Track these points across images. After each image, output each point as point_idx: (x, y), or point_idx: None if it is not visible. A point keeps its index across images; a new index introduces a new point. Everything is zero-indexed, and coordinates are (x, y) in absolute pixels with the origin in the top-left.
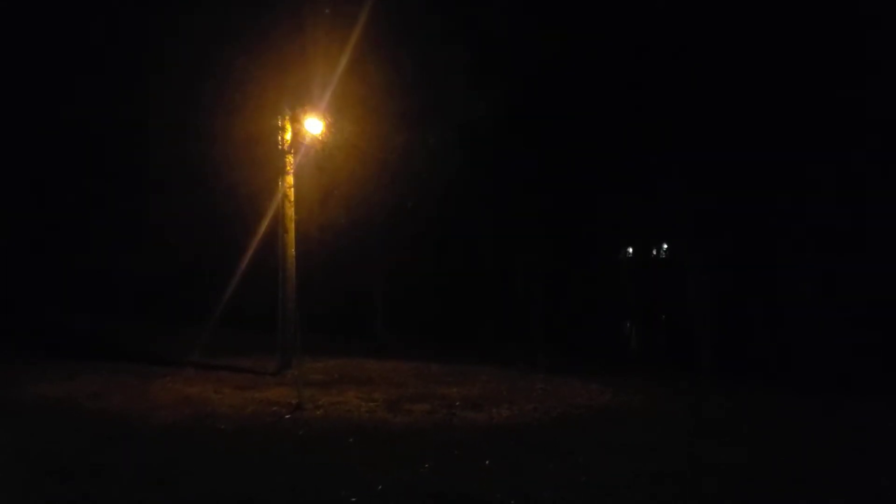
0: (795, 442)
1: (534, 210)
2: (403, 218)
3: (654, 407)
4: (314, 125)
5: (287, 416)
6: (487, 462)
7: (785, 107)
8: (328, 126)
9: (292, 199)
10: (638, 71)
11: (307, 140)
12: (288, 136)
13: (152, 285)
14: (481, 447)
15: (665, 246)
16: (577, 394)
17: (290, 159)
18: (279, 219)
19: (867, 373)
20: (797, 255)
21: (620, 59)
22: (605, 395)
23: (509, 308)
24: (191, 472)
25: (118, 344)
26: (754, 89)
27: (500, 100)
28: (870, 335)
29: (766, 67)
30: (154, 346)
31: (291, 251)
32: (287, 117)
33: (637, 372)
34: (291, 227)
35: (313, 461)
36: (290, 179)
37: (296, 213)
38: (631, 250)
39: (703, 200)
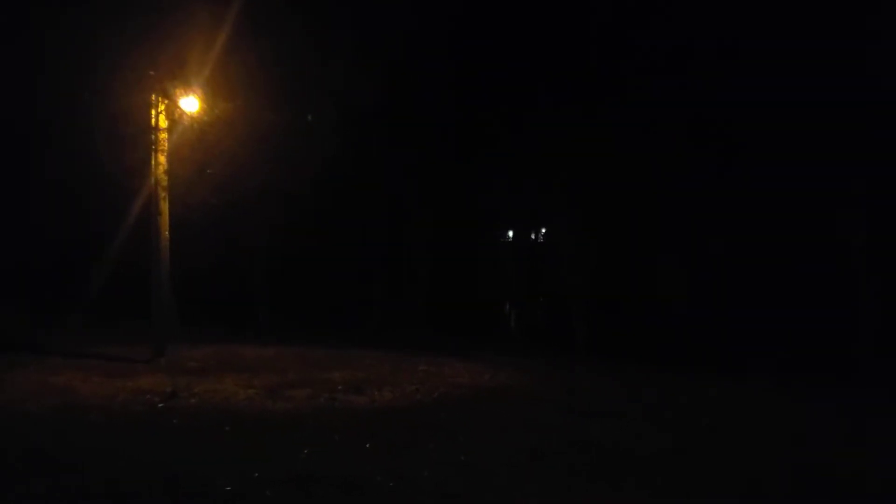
0: (666, 417)
1: (415, 194)
2: (282, 199)
3: (532, 385)
4: (189, 102)
5: (160, 405)
6: (368, 445)
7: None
8: (203, 103)
9: (165, 181)
10: (520, 53)
11: (181, 117)
12: (161, 112)
13: (18, 271)
14: (362, 430)
15: (543, 230)
16: (459, 374)
17: (163, 137)
18: (153, 201)
19: (735, 353)
20: (667, 238)
21: (500, 43)
22: (486, 375)
23: (395, 292)
24: (55, 466)
25: None
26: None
27: (381, 80)
28: (736, 315)
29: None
30: (17, 334)
31: (165, 234)
32: (159, 93)
33: (517, 352)
34: (165, 208)
35: (187, 450)
36: (162, 158)
37: (170, 194)
38: (511, 234)
39: (575, 187)
